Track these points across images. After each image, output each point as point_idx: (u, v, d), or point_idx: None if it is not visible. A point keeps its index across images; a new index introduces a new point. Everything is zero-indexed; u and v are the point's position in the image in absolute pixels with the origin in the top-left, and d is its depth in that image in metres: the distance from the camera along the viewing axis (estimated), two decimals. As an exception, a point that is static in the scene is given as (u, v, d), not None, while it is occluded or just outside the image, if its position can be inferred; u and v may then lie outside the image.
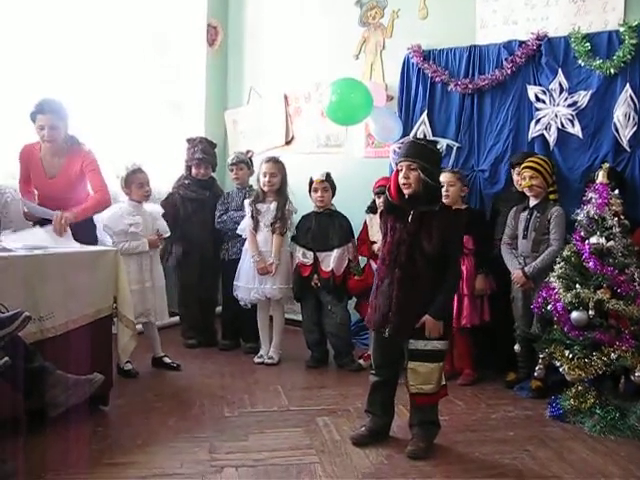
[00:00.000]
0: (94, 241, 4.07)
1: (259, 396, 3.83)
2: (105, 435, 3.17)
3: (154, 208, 4.45)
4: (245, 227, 4.54)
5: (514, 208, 4.18)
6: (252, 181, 4.92)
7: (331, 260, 4.43)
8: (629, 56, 4.21)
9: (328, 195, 4.52)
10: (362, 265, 4.57)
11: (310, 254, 4.48)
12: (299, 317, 4.74)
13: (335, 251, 4.44)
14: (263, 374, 4.31)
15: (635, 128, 4.23)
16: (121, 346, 3.68)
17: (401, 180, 2.99)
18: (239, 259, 4.62)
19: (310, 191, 4.54)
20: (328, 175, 4.51)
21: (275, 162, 4.52)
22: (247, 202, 4.57)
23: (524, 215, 4.10)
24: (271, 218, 4.46)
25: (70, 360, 3.01)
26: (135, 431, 3.20)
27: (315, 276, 4.44)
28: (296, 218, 4.61)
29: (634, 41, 4.18)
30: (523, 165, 4.11)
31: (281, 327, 4.62)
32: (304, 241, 4.52)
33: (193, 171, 5.00)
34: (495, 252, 4.23)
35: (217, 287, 5.12)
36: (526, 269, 3.96)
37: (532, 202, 4.09)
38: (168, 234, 4.42)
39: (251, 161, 4.99)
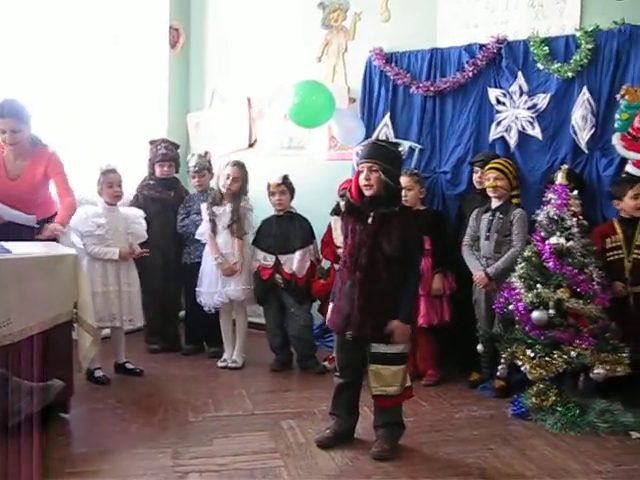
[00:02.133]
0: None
1: (223, 400, 3.80)
2: (66, 443, 3.13)
3: (131, 211, 4.44)
4: (204, 231, 4.52)
5: (476, 210, 4.23)
6: (212, 183, 4.88)
7: (293, 262, 4.43)
8: (585, 60, 4.29)
9: (286, 198, 4.52)
10: (326, 268, 4.57)
11: (271, 257, 4.46)
12: (262, 320, 4.72)
13: (297, 253, 4.44)
14: (227, 378, 4.29)
15: (592, 130, 4.30)
16: (82, 352, 3.59)
17: (362, 181, 3.01)
18: (201, 262, 4.59)
19: (269, 195, 4.54)
20: (285, 178, 4.51)
21: (241, 167, 4.51)
22: (204, 206, 4.55)
23: (486, 216, 4.14)
24: (228, 220, 4.43)
25: (28, 367, 2.94)
26: (97, 439, 3.16)
27: (277, 275, 4.43)
28: (257, 220, 4.59)
29: (590, 46, 4.27)
30: (488, 166, 4.16)
31: (244, 331, 4.59)
32: (265, 245, 4.51)
33: (157, 170, 4.97)
34: (460, 253, 4.27)
35: (180, 291, 5.07)
36: (488, 270, 4.00)
37: (494, 204, 4.13)
38: (143, 239, 4.38)
39: (210, 164, 4.98)
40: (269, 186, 4.51)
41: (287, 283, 4.42)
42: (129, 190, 4.96)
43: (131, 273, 4.29)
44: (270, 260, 4.46)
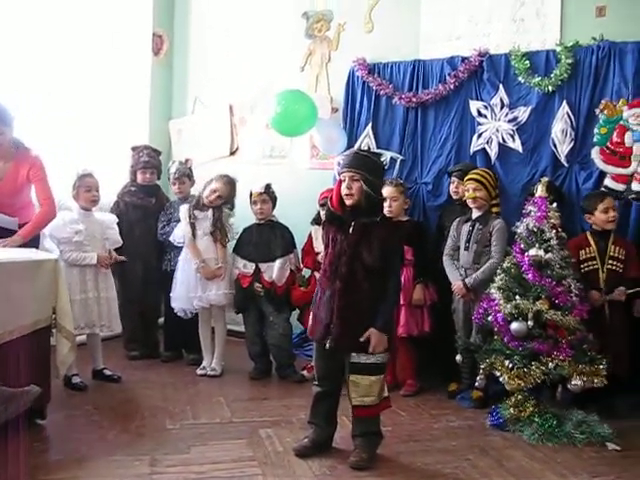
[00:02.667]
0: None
1: (201, 408, 3.78)
2: (42, 450, 3.08)
3: (106, 217, 4.42)
4: (183, 235, 4.48)
5: (457, 220, 4.25)
6: (194, 191, 4.87)
7: (273, 270, 4.43)
8: (565, 75, 4.36)
9: (268, 207, 4.52)
10: (307, 276, 4.58)
11: (251, 265, 4.46)
12: (241, 328, 4.71)
13: (277, 262, 4.44)
14: (206, 386, 4.26)
15: (572, 144, 4.37)
16: (59, 358, 3.56)
17: (344, 190, 3.01)
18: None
19: (250, 204, 4.53)
20: (267, 187, 4.51)
21: (229, 185, 4.49)
22: (184, 207, 4.52)
23: (466, 227, 4.16)
24: (210, 226, 4.43)
25: (6, 373, 2.91)
26: (73, 446, 3.12)
27: (256, 284, 4.42)
28: (238, 228, 4.58)
29: (570, 60, 4.34)
30: (467, 177, 4.19)
31: (223, 338, 4.57)
32: (246, 253, 4.50)
33: (138, 177, 4.94)
34: (441, 264, 4.29)
35: (160, 298, 5.03)
36: (467, 280, 4.02)
37: (475, 214, 4.16)
38: (119, 244, 4.36)
39: (191, 171, 4.98)
40: (251, 195, 4.52)
41: (266, 291, 4.42)
42: (108, 196, 4.94)
43: (108, 279, 4.26)
44: (250, 268, 4.46)
